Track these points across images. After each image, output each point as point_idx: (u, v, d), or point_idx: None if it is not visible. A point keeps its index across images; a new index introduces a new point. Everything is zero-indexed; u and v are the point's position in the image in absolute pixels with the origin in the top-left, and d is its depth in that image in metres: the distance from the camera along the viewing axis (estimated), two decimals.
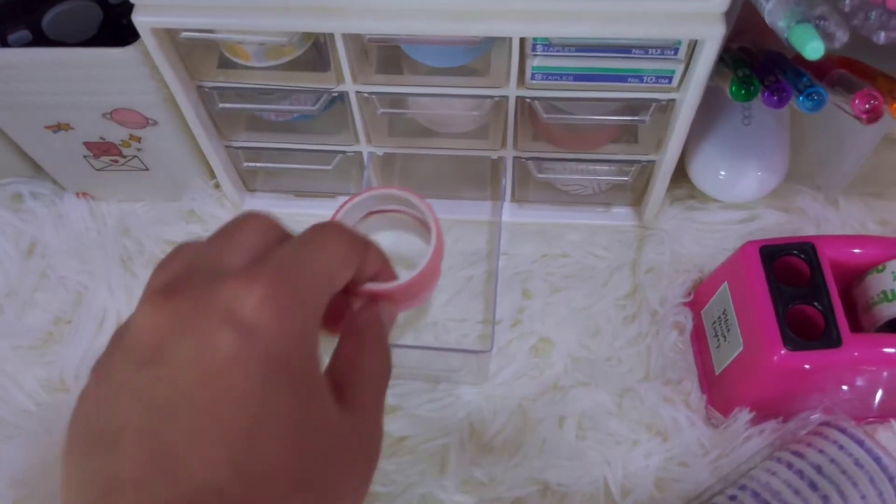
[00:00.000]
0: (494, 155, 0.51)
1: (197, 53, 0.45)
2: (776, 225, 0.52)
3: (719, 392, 0.46)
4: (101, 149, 0.52)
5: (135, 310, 0.23)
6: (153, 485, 0.20)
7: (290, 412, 0.22)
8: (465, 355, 0.46)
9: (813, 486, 0.39)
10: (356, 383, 0.26)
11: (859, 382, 0.42)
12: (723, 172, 0.50)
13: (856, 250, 0.44)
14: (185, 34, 0.41)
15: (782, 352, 0.39)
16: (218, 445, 0.21)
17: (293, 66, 0.45)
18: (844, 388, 0.43)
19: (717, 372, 0.45)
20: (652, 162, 0.49)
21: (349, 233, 0.28)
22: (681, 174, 0.52)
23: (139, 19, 0.40)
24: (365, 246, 0.28)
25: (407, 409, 0.47)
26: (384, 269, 0.31)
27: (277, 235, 0.26)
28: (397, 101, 0.48)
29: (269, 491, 0.21)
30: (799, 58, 0.34)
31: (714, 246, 0.51)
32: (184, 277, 0.23)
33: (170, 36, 0.42)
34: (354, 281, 0.29)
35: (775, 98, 0.39)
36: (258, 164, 0.53)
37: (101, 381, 0.23)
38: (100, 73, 0.45)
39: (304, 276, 0.24)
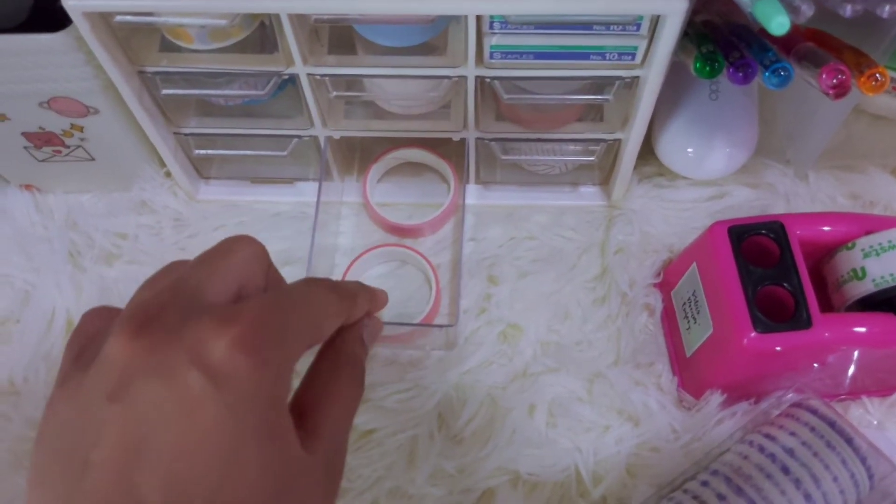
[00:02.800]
0: (456, 137, 0.49)
1: (137, 37, 0.43)
2: (745, 201, 0.51)
3: (690, 374, 0.45)
4: (41, 139, 0.49)
5: (110, 335, 0.22)
6: None
7: (257, 460, 0.22)
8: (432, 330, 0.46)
9: (785, 470, 0.38)
10: (323, 409, 0.27)
11: (830, 361, 0.42)
12: (690, 149, 0.49)
13: (825, 228, 0.43)
14: (119, 18, 0.39)
15: (752, 334, 0.39)
16: (183, 493, 0.21)
17: (240, 48, 0.43)
18: (816, 367, 0.42)
19: (688, 354, 0.45)
20: (618, 140, 0.48)
21: (338, 289, 0.28)
22: (649, 152, 0.51)
23: (69, 3, 0.37)
24: (352, 300, 0.29)
25: (374, 401, 0.45)
26: (372, 310, 0.32)
27: (263, 267, 0.27)
28: (353, 82, 0.46)
29: None
30: (765, 31, 0.33)
31: (683, 225, 0.50)
32: (162, 305, 0.23)
33: (104, 20, 0.40)
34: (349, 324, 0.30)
35: (741, 74, 0.37)
36: (210, 152, 0.51)
37: (70, 403, 0.22)
38: (32, 60, 0.42)
39: (282, 326, 0.24)
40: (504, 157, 0.50)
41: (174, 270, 0.25)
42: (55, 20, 0.40)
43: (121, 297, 0.49)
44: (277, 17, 0.39)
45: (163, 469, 0.20)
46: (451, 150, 0.52)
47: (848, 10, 0.32)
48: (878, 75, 0.37)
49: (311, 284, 0.28)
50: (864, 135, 0.54)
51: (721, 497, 0.38)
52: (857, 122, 0.54)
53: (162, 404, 0.21)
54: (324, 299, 0.27)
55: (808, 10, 0.31)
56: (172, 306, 0.23)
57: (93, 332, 0.25)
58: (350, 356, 0.29)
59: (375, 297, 0.32)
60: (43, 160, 0.51)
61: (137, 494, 0.20)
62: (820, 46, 0.40)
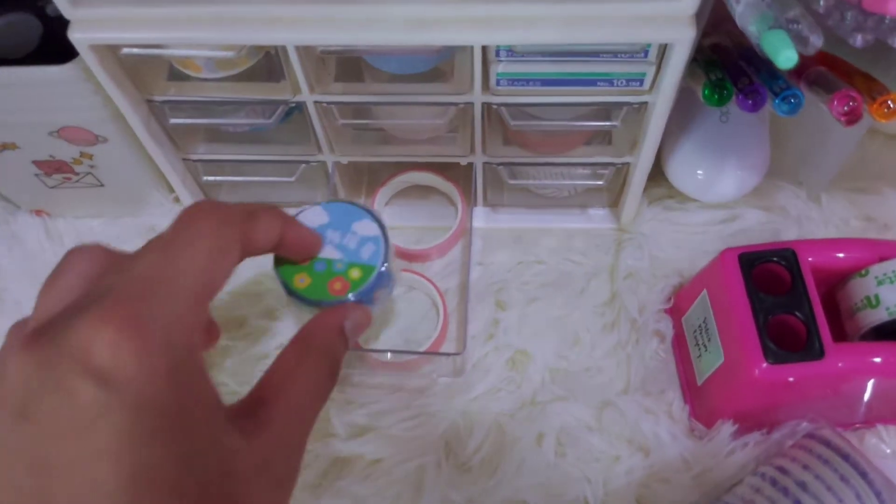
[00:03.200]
0: (464, 161, 0.49)
1: (145, 66, 0.43)
2: (757, 224, 0.50)
3: (701, 403, 0.44)
4: (51, 167, 0.49)
5: (7, 348, 0.22)
6: None
7: (171, 455, 0.21)
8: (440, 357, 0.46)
9: None
10: (280, 399, 0.25)
11: (844, 391, 0.41)
12: (701, 172, 0.48)
13: (838, 254, 0.42)
14: (126, 50, 0.39)
15: (763, 365, 0.38)
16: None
17: (247, 76, 0.43)
18: (829, 396, 0.41)
19: (699, 382, 0.44)
20: (627, 164, 0.48)
21: (218, 212, 0.25)
22: (659, 174, 0.50)
23: (76, 36, 0.38)
24: (246, 217, 0.26)
25: (380, 430, 0.45)
26: (288, 230, 0.29)
27: (110, 259, 0.24)
28: (361, 109, 0.46)
29: None
30: None
31: (694, 249, 0.50)
32: (52, 313, 0.22)
33: (111, 51, 0.40)
34: (252, 255, 0.26)
35: (750, 102, 0.37)
36: (219, 178, 0.51)
37: None
38: (41, 91, 0.42)
39: (163, 299, 0.22)
40: (512, 182, 0.49)
41: (84, 259, 0.24)
42: (64, 48, 0.40)
43: None
44: (284, 48, 0.39)
45: (75, 487, 0.20)
46: (458, 173, 0.52)
47: (859, 41, 0.31)
48: (890, 102, 0.36)
49: (185, 223, 0.24)
50: (879, 155, 0.53)
51: None
52: (871, 143, 0.53)
53: (62, 420, 0.20)
54: (200, 238, 0.24)
55: (816, 41, 0.30)
56: (59, 314, 0.22)
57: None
58: (321, 346, 0.28)
59: (294, 224, 0.29)
60: (53, 186, 0.51)
61: None
62: (831, 71, 0.39)
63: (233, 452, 0.23)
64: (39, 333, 0.21)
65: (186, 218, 0.24)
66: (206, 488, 0.21)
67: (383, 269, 0.36)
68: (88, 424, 0.20)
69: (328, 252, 0.37)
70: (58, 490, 0.20)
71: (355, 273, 0.36)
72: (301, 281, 0.35)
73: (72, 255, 0.25)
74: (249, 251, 0.26)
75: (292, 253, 0.32)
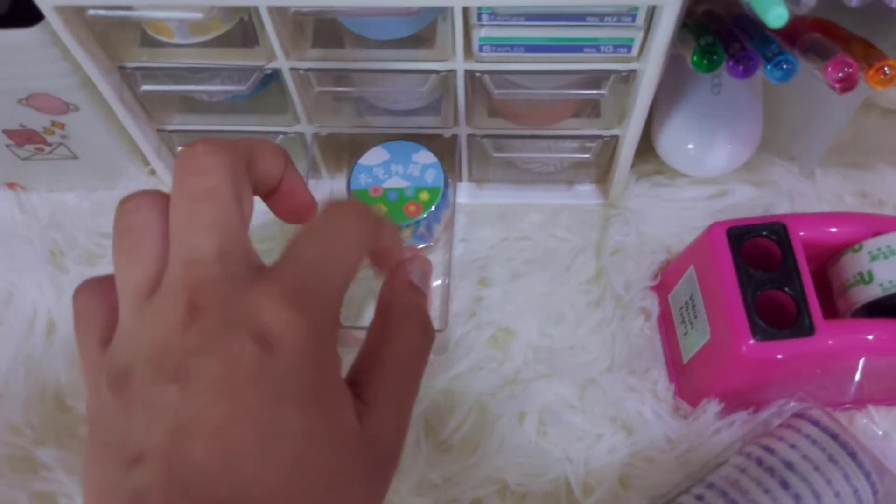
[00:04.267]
0: (447, 133, 0.47)
1: (115, 32, 0.41)
2: (748, 200, 0.49)
3: (687, 382, 0.43)
4: (23, 137, 0.48)
5: (134, 313, 0.22)
6: (177, 501, 0.20)
7: (304, 431, 0.21)
8: None
9: (784, 485, 0.36)
10: (377, 379, 0.25)
11: (834, 370, 0.40)
12: (691, 146, 0.47)
13: (831, 229, 0.41)
14: (92, 11, 0.37)
15: (751, 342, 0.37)
16: (231, 464, 0.20)
17: (222, 42, 0.41)
18: (819, 375, 0.40)
19: (685, 361, 0.43)
20: (615, 136, 0.46)
21: (365, 211, 0.26)
22: (648, 148, 0.49)
23: None
24: (380, 224, 0.27)
25: None
26: (395, 247, 0.29)
27: (244, 161, 0.24)
28: (342, 77, 0.44)
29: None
30: None
31: (683, 224, 0.48)
32: (211, 286, 0.22)
33: (78, 14, 0.38)
34: (376, 257, 0.28)
35: (741, 68, 0.36)
36: None
37: (119, 393, 0.22)
38: (8, 56, 0.41)
39: (322, 277, 0.23)
40: (496, 155, 0.48)
41: (151, 229, 0.23)
42: (35, 14, 0.39)
43: None
44: (256, 10, 0.37)
45: (212, 446, 0.20)
46: (443, 146, 0.50)
47: (854, 0, 0.30)
48: (886, 68, 0.35)
49: (339, 214, 0.25)
50: (875, 130, 0.51)
51: None
52: (867, 117, 0.51)
53: (217, 381, 0.20)
54: (353, 233, 0.25)
55: (809, 1, 0.29)
56: (222, 283, 0.22)
57: (104, 311, 0.23)
58: (402, 307, 0.27)
59: (401, 245, 0.30)
60: (25, 158, 0.50)
61: (190, 472, 0.20)
62: (826, 37, 0.38)
63: (353, 436, 0.23)
64: (200, 300, 0.21)
65: (335, 210, 0.25)
66: (326, 468, 0.22)
67: (447, 188, 0.43)
68: (243, 385, 0.20)
69: (396, 182, 0.45)
70: (199, 448, 0.20)
71: (424, 196, 0.44)
72: (378, 211, 0.40)
73: (200, 184, 0.23)
74: (373, 255, 0.28)
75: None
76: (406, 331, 0.27)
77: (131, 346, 0.22)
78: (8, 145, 0.48)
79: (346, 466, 0.22)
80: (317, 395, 0.22)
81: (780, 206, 0.48)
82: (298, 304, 0.22)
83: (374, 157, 0.42)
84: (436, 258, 0.49)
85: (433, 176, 0.44)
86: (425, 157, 0.45)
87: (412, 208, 0.43)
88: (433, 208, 0.44)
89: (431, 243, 0.47)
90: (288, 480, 0.21)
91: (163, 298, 0.22)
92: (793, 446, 0.38)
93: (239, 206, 0.23)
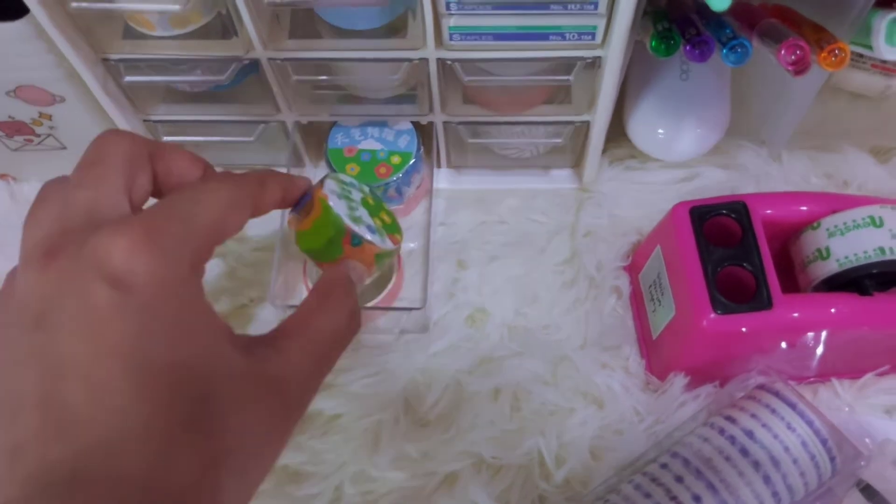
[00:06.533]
0: (424, 120, 0.49)
1: (99, 25, 0.43)
2: (717, 183, 0.50)
3: (657, 357, 0.45)
4: (12, 128, 0.49)
5: (18, 275, 0.23)
6: (52, 445, 0.21)
7: (172, 359, 0.22)
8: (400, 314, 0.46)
9: (744, 452, 0.38)
10: (293, 335, 0.27)
11: (795, 343, 0.41)
12: (661, 130, 0.48)
13: (791, 207, 0.42)
14: (75, 4, 0.39)
15: (711, 316, 0.38)
16: (103, 401, 0.21)
17: (202, 34, 0.42)
18: (781, 349, 0.42)
19: (654, 337, 0.44)
20: (586, 122, 0.48)
21: (235, 176, 0.27)
22: (620, 134, 0.50)
23: None
24: (259, 185, 0.28)
25: (340, 386, 0.45)
26: (289, 193, 0.31)
27: (142, 158, 0.26)
28: (321, 66, 0.45)
29: (156, 435, 0.22)
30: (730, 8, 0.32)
31: (653, 207, 0.50)
32: (59, 232, 0.23)
33: (62, 6, 0.40)
34: (259, 215, 0.29)
35: (697, 52, 0.37)
36: (179, 139, 0.51)
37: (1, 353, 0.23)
38: None
39: (181, 223, 0.24)
40: (472, 141, 0.49)
41: (55, 195, 0.25)
42: (21, 7, 0.40)
43: None
44: (233, 1, 0.39)
45: (84, 385, 0.21)
46: (421, 133, 0.51)
47: None
48: (837, 50, 0.36)
49: (206, 180, 0.28)
50: (842, 114, 0.52)
51: (679, 479, 0.38)
52: (835, 101, 0.52)
53: (78, 322, 0.22)
54: (222, 191, 0.26)
55: None
56: (70, 230, 0.23)
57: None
58: (339, 291, 0.29)
59: (292, 182, 0.31)
60: (16, 149, 0.51)
61: (67, 413, 0.21)
62: (783, 23, 0.39)
63: (232, 366, 0.24)
64: (57, 248, 0.23)
65: (209, 176, 0.28)
66: (200, 392, 0.23)
67: (418, 154, 0.46)
68: (102, 324, 0.22)
69: (371, 144, 0.47)
70: (69, 389, 0.21)
71: (396, 159, 0.46)
72: (352, 170, 0.45)
73: (105, 150, 0.26)
74: (257, 213, 0.29)
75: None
76: (340, 310, 0.29)
77: (11, 303, 0.23)
78: None
79: (225, 391, 0.23)
80: (182, 329, 0.23)
81: (748, 188, 0.50)
82: (151, 247, 0.22)
83: (354, 119, 0.44)
84: (414, 242, 0.51)
85: (407, 141, 0.46)
86: (403, 124, 0.47)
87: (383, 170, 0.46)
88: (402, 173, 0.46)
89: (402, 206, 0.49)
90: (163, 410, 0.22)
91: (33, 249, 0.23)
92: (753, 416, 0.39)
93: (121, 176, 0.25)
